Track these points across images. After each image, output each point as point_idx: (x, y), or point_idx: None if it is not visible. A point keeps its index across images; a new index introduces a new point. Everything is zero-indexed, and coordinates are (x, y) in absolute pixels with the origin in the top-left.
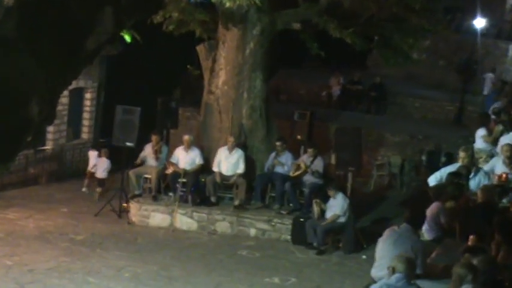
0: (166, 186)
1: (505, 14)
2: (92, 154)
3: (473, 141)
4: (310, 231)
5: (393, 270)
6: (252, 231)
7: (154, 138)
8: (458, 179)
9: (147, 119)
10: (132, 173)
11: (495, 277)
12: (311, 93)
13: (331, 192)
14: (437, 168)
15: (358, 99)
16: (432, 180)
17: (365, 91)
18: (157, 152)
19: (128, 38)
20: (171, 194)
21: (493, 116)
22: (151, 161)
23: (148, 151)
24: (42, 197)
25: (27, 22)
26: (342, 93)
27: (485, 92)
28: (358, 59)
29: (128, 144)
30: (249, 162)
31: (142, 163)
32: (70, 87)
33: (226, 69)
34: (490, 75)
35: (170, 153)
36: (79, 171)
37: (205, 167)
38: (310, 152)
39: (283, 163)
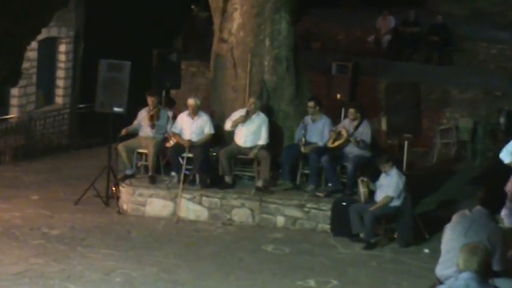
0: (167, 163)
1: None
2: None
3: None
4: (356, 219)
5: (464, 267)
6: (280, 220)
7: (150, 100)
8: None
9: (141, 77)
10: (122, 147)
11: None
12: (353, 39)
13: (384, 166)
14: None
15: (415, 45)
16: (506, 156)
17: (424, 35)
18: (154, 119)
19: None
20: (173, 173)
21: None
22: (147, 131)
23: (143, 118)
24: (5, 181)
25: None
26: (393, 39)
27: None
28: None
29: (116, 110)
30: (274, 130)
31: (134, 134)
32: (39, 37)
33: (242, 9)
34: None
35: (172, 120)
36: (53, 146)
37: (217, 138)
38: (354, 115)
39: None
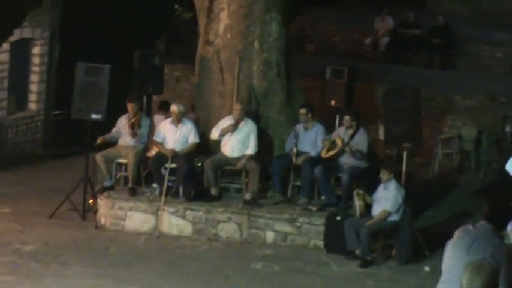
0: (149, 174)
1: None
2: None
3: None
4: (351, 234)
5: (468, 287)
6: (270, 236)
7: (130, 106)
8: None
9: (121, 81)
10: (100, 156)
11: None
12: (349, 41)
13: (384, 176)
14: None
15: (415, 48)
16: None
17: (424, 37)
18: (135, 127)
19: None
20: (155, 185)
21: None
22: (127, 140)
23: (122, 125)
24: None
25: None
26: (392, 41)
27: None
28: None
29: (94, 117)
30: (263, 138)
31: (113, 143)
32: (11, 39)
33: (229, 9)
34: None
35: (154, 128)
36: (26, 156)
37: (203, 147)
38: (349, 123)
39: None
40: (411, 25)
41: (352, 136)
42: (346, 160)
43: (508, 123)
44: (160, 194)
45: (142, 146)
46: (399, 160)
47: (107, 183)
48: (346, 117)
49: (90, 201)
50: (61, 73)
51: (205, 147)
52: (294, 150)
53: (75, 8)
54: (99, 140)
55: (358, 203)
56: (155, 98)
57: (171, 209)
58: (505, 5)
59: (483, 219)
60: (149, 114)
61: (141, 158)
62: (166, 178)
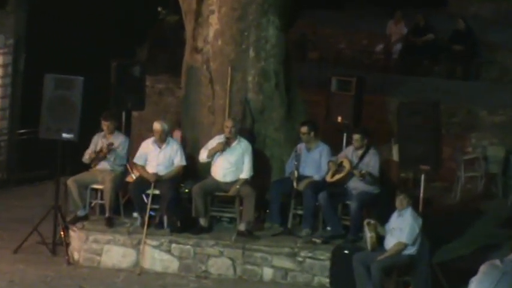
0: (128, 202)
1: None
2: None
3: None
4: (361, 271)
5: None
6: (267, 273)
7: (105, 125)
8: None
9: (96, 96)
10: (72, 182)
11: None
12: (358, 48)
13: (399, 203)
14: None
15: (434, 56)
16: None
17: (442, 43)
18: (109, 149)
19: None
20: (135, 214)
21: None
22: (103, 162)
23: (97, 146)
24: None
25: None
26: (405, 48)
27: None
28: None
29: (65, 136)
30: (260, 160)
31: (87, 166)
32: None
33: (220, 12)
34: None
35: (134, 149)
36: None
37: (190, 171)
38: (359, 143)
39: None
40: (422, 29)
41: (361, 157)
42: (355, 185)
43: None
44: (142, 224)
45: (120, 170)
46: (416, 184)
47: (80, 213)
48: (356, 136)
49: (62, 233)
50: (27, 86)
51: (193, 170)
52: (295, 173)
53: (43, 11)
54: (86, 157)
55: (369, 235)
56: (135, 114)
57: (154, 242)
58: None
59: (511, 252)
60: (129, 132)
61: (120, 183)
62: (149, 206)
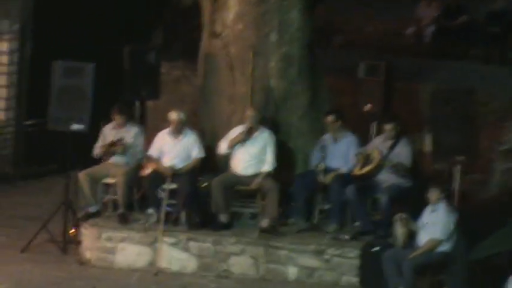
0: (143, 197)
1: None
2: None
3: None
4: (392, 269)
5: None
6: (292, 272)
7: (117, 118)
8: None
9: (108, 84)
10: (84, 176)
11: None
12: (386, 31)
13: (432, 196)
14: None
15: (469, 39)
16: None
17: (479, 25)
18: (121, 144)
19: None
20: (151, 210)
21: None
22: (115, 156)
23: (109, 138)
24: None
25: None
26: (438, 31)
27: None
28: None
29: (75, 127)
30: (283, 152)
31: (99, 160)
32: None
33: None
34: None
35: (148, 141)
36: None
37: (209, 163)
38: (392, 132)
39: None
40: (454, 11)
41: (392, 148)
42: (385, 177)
43: None
44: (158, 221)
45: (135, 164)
46: (450, 177)
47: (92, 209)
48: (389, 126)
49: (72, 230)
50: (34, 74)
51: (212, 163)
52: (321, 166)
53: None
54: (98, 151)
55: (400, 231)
56: (150, 103)
57: (171, 240)
58: None
59: None
60: (143, 123)
61: (134, 177)
62: (165, 202)
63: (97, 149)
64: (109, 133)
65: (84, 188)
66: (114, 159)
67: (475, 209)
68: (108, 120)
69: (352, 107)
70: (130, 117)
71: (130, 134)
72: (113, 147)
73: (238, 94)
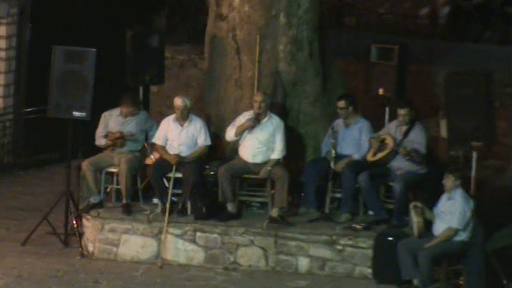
0: (147, 187)
1: None
2: None
3: None
4: (407, 260)
5: None
6: (303, 263)
7: (125, 110)
8: None
9: (110, 69)
10: (88, 165)
11: None
12: (400, 11)
13: (448, 183)
14: None
15: (485, 19)
16: None
17: (495, 6)
18: (126, 139)
19: None
20: (156, 200)
21: None
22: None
23: (112, 126)
24: None
25: None
26: (454, 11)
27: None
28: None
29: (77, 114)
30: (293, 139)
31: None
32: None
33: None
34: None
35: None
36: None
37: (216, 151)
38: (406, 117)
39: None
40: None
41: (406, 133)
42: (400, 164)
43: None
44: (163, 212)
45: (138, 152)
46: (467, 163)
47: (94, 200)
48: (403, 111)
49: (74, 222)
50: (34, 60)
51: (219, 151)
52: (333, 153)
53: None
54: (102, 142)
55: (415, 219)
56: (154, 89)
57: (177, 231)
58: None
59: None
60: (146, 109)
61: (138, 166)
62: (170, 191)
63: (100, 140)
64: (113, 121)
65: (87, 177)
66: (117, 147)
67: (492, 197)
68: (111, 106)
69: (365, 91)
70: (139, 108)
71: (139, 120)
72: (119, 140)
73: (246, 79)
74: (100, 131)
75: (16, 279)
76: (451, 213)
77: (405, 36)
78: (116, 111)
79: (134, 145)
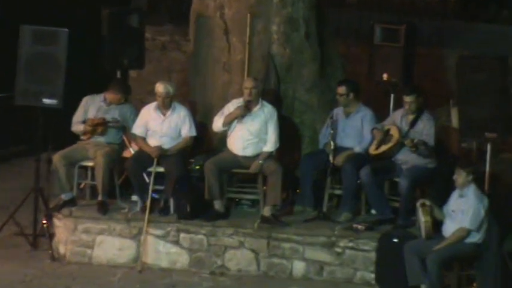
0: (125, 182)
1: None
2: None
3: None
4: (414, 263)
5: None
6: (299, 267)
7: (112, 97)
8: None
9: (84, 52)
10: (60, 158)
11: None
12: None
13: (460, 179)
14: None
15: None
16: None
17: None
18: (110, 126)
19: None
20: (135, 197)
21: None
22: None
23: (94, 112)
24: None
25: None
26: None
27: None
28: None
29: (47, 102)
30: (287, 129)
31: (76, 138)
32: None
33: None
34: None
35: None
36: None
37: (202, 143)
38: (413, 105)
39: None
40: None
41: (413, 123)
42: (406, 158)
43: None
44: (143, 210)
45: (117, 144)
46: (480, 156)
47: (66, 196)
48: (409, 98)
49: (44, 222)
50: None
51: (206, 142)
52: (332, 145)
53: None
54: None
55: (423, 219)
56: (133, 73)
57: (159, 232)
58: None
59: None
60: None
61: (115, 160)
62: (151, 187)
63: (78, 126)
64: (95, 107)
65: (60, 172)
66: (94, 138)
67: (508, 194)
68: (86, 93)
69: (368, 76)
70: (126, 97)
71: (123, 112)
72: (100, 127)
73: (235, 62)
74: (79, 116)
75: None
76: (463, 212)
77: (413, 15)
78: (99, 97)
79: (114, 136)
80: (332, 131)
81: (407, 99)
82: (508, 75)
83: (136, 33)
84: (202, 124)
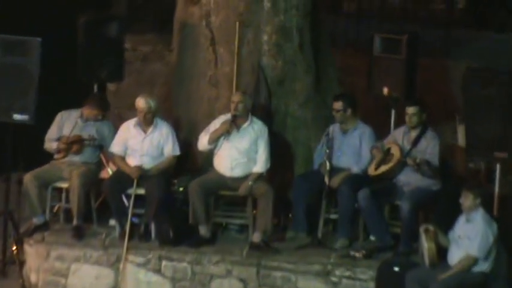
0: (103, 205)
1: None
2: None
3: None
4: None
5: None
6: None
7: (89, 112)
8: None
9: (58, 63)
10: (31, 178)
11: None
12: None
13: (467, 202)
14: None
15: (509, 6)
16: None
17: None
18: (87, 144)
19: None
20: (113, 222)
21: None
22: (71, 155)
23: (69, 129)
24: None
25: None
26: None
27: None
28: None
29: (18, 117)
30: (279, 148)
31: (50, 158)
32: None
33: None
34: None
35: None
36: None
37: (186, 163)
38: (415, 119)
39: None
40: None
41: (416, 141)
42: (408, 179)
43: None
44: (122, 235)
45: (94, 164)
46: (489, 178)
47: (38, 220)
48: (412, 110)
49: (14, 248)
50: None
51: (190, 162)
52: (327, 165)
53: None
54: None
55: (427, 246)
56: (111, 86)
57: (139, 259)
58: None
59: None
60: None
61: (92, 181)
62: (131, 211)
63: (51, 143)
64: (70, 123)
65: (31, 193)
66: (69, 157)
67: None
68: (60, 108)
69: (366, 90)
70: (104, 113)
71: (101, 130)
72: (76, 145)
73: (222, 75)
74: (52, 133)
75: None
76: (470, 238)
77: (415, 24)
78: (76, 113)
79: (90, 155)
80: (328, 150)
81: (410, 110)
82: None
83: (115, 42)
84: (186, 142)
